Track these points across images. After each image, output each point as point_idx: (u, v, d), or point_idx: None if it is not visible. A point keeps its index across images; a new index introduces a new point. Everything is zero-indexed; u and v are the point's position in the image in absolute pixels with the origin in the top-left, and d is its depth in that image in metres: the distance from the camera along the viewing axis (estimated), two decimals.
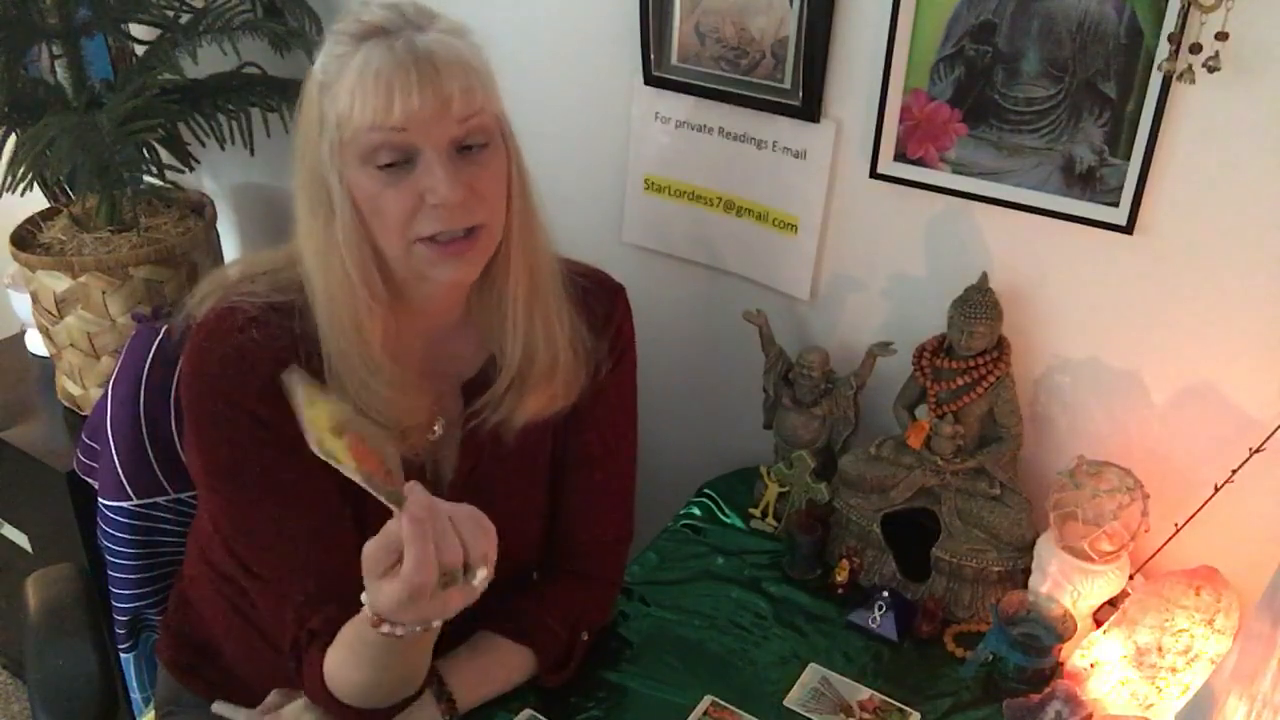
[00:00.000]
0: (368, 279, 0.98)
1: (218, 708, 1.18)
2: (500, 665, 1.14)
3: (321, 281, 0.99)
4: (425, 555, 0.81)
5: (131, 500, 1.28)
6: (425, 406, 1.08)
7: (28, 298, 1.77)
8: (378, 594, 0.85)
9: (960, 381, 1.29)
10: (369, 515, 0.91)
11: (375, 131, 0.91)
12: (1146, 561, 1.27)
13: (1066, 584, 1.22)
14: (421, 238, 0.96)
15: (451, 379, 1.11)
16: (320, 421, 0.84)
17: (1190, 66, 1.07)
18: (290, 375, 0.88)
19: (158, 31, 1.75)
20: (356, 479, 0.83)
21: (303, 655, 1.02)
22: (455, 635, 1.14)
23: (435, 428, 1.10)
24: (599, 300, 1.16)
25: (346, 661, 0.97)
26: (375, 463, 0.85)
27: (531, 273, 1.05)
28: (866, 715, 1.16)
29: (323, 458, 0.83)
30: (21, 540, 1.90)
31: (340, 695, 0.99)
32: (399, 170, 0.93)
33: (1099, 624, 1.24)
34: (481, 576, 0.85)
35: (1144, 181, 1.18)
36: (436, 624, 0.88)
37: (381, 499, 0.83)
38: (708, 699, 1.17)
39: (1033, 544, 1.28)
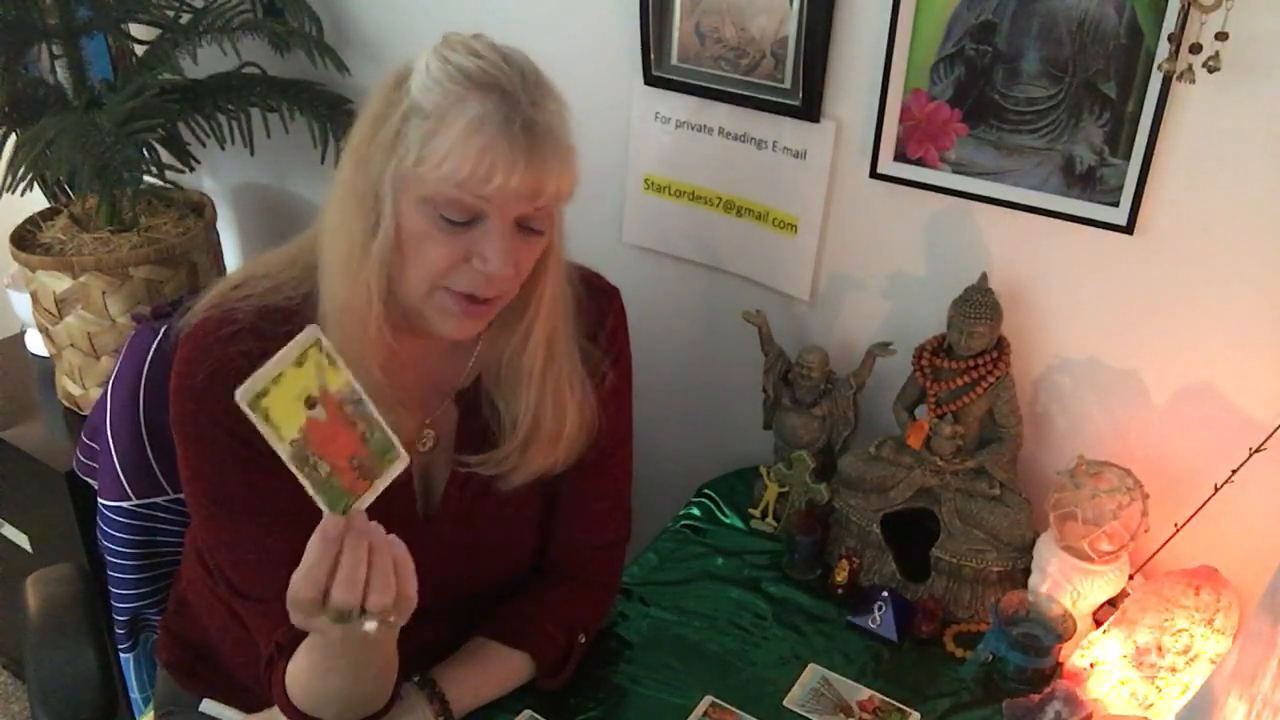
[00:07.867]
0: (384, 300, 0.98)
1: (206, 706, 1.17)
2: (497, 670, 1.14)
3: (342, 291, 0.97)
4: (315, 574, 0.80)
5: (131, 500, 1.27)
6: (416, 419, 1.08)
7: (28, 298, 1.77)
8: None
9: (960, 381, 1.29)
10: None
11: (459, 190, 0.90)
12: (1146, 561, 1.27)
13: (1066, 584, 1.22)
14: (450, 288, 0.96)
15: (444, 389, 1.10)
16: (295, 384, 0.75)
17: (1190, 66, 1.07)
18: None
19: (158, 31, 1.76)
20: (282, 455, 0.75)
21: (272, 669, 1.02)
22: (452, 641, 1.14)
23: (426, 440, 1.09)
24: (593, 305, 1.15)
25: (306, 668, 0.97)
26: (341, 455, 0.78)
27: (550, 344, 1.06)
28: (866, 715, 1.16)
29: (254, 419, 0.74)
30: (21, 540, 1.90)
31: (301, 706, 0.99)
32: (459, 226, 0.93)
33: (1099, 624, 1.24)
34: (369, 626, 0.83)
35: (1144, 181, 1.18)
36: (375, 635, 0.86)
37: (310, 491, 0.77)
38: (707, 699, 1.17)
39: (1032, 544, 1.28)
